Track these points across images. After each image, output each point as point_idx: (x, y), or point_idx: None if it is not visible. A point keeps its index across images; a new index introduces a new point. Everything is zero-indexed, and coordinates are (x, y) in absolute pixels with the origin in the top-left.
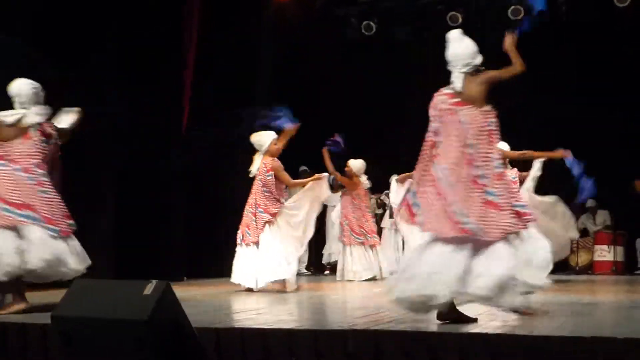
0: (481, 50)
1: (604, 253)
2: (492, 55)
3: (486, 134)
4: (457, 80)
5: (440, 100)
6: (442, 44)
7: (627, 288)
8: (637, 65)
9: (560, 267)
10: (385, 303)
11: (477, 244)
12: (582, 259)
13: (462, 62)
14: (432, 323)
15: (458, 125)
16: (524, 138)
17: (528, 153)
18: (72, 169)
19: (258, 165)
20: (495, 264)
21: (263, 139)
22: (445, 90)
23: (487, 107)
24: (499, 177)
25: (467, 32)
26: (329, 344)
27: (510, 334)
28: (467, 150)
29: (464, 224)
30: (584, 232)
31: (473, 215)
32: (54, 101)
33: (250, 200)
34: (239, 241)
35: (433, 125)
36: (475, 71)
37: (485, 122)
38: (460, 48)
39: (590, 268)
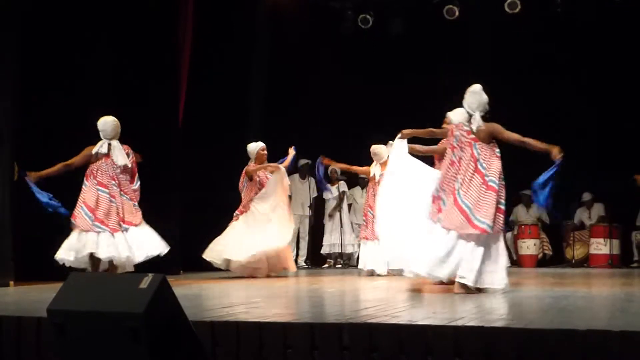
0: (477, 45)
1: (600, 246)
2: (488, 51)
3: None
4: (475, 122)
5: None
6: (438, 37)
7: (622, 281)
8: (633, 60)
9: (557, 260)
10: (382, 296)
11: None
12: (578, 252)
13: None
14: (427, 317)
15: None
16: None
17: (528, 141)
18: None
19: (378, 171)
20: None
21: (382, 151)
22: (464, 127)
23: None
24: None
25: (463, 26)
26: (325, 337)
27: (505, 327)
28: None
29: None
30: (580, 225)
31: None
32: (52, 104)
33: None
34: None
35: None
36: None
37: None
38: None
39: (586, 261)
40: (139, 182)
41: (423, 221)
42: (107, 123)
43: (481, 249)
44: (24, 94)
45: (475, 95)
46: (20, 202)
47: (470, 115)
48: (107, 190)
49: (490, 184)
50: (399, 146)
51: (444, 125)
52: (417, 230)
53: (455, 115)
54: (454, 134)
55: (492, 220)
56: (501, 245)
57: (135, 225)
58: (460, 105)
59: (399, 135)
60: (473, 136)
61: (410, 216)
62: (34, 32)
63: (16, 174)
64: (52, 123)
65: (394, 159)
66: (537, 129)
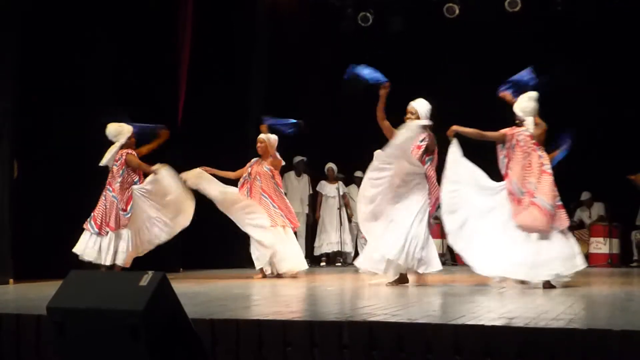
0: (477, 43)
1: (600, 245)
2: (488, 50)
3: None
4: (529, 126)
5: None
6: (438, 36)
7: (622, 280)
8: (633, 60)
9: None
10: (381, 294)
11: None
12: None
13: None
14: (427, 315)
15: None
16: None
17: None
18: (72, 166)
19: None
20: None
21: None
22: (525, 132)
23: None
24: None
25: (463, 25)
26: (324, 335)
27: (506, 326)
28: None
29: None
30: (579, 225)
31: None
32: (52, 103)
33: None
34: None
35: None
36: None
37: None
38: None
39: (585, 260)
40: (120, 181)
41: (500, 228)
42: (107, 129)
43: (548, 242)
44: (24, 94)
45: (531, 102)
46: (20, 201)
47: (522, 121)
48: (106, 193)
49: (547, 170)
50: (455, 150)
51: (409, 116)
52: (496, 237)
53: (419, 105)
54: (516, 139)
55: (553, 201)
56: (552, 240)
57: (113, 230)
58: (459, 103)
59: (452, 140)
60: (534, 141)
61: (486, 224)
62: (34, 32)
63: (15, 172)
64: (52, 123)
65: (452, 166)
66: None
